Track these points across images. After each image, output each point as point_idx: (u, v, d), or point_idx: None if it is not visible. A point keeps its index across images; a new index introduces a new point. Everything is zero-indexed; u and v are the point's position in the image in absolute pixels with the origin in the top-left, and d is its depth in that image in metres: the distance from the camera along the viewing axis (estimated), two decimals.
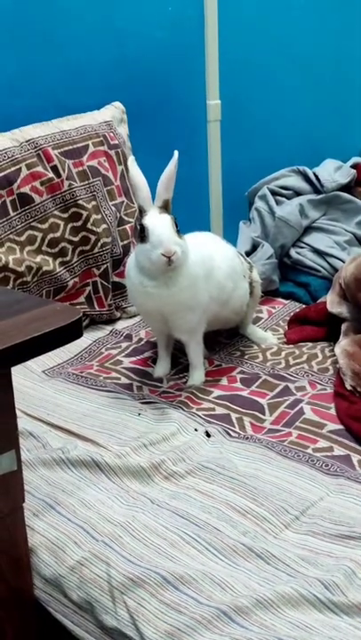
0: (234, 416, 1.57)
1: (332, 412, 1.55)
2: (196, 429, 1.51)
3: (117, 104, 2.21)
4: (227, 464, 1.37)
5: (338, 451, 1.42)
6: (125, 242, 2.08)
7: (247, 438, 1.49)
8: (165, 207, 1.51)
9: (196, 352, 1.68)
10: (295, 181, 2.37)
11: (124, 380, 1.75)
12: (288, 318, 2.00)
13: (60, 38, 2.12)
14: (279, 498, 1.27)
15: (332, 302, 1.84)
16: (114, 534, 1.19)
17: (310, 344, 1.86)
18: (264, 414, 1.57)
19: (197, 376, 1.69)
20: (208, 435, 1.49)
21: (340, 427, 1.49)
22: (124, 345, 1.92)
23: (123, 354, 1.87)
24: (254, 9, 2.54)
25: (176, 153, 1.53)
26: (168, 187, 1.50)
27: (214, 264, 1.63)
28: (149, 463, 1.36)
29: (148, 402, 1.62)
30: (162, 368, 1.74)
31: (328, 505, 1.26)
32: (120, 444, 1.44)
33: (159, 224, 1.46)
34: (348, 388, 1.57)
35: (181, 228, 1.57)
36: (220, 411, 1.59)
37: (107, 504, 1.26)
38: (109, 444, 1.44)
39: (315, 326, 1.89)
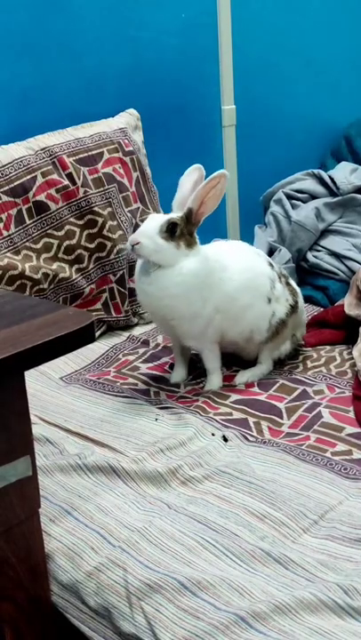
0: (251, 420, 1.55)
1: (351, 415, 1.53)
2: (213, 434, 1.49)
3: (132, 111, 2.22)
4: (244, 468, 1.35)
5: (357, 454, 1.40)
6: None
7: (265, 442, 1.47)
8: (175, 223, 1.53)
9: (209, 358, 1.67)
10: (310, 185, 2.36)
11: (141, 386, 1.74)
12: (306, 322, 1.98)
13: (75, 47, 2.14)
14: (297, 502, 1.26)
15: (350, 305, 1.82)
16: (131, 540, 1.18)
17: (328, 347, 1.84)
18: (282, 418, 1.55)
19: (215, 381, 1.68)
20: (225, 439, 1.48)
21: (359, 429, 1.48)
22: (141, 351, 1.91)
23: (140, 360, 1.87)
24: (267, 13, 2.54)
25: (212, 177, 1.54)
26: (192, 199, 1.54)
27: (225, 275, 1.59)
28: (166, 468, 1.35)
29: (165, 407, 1.62)
30: (178, 374, 1.73)
31: (347, 509, 1.25)
32: (137, 449, 1.44)
33: (147, 220, 1.55)
34: None
35: (198, 233, 1.59)
36: (237, 415, 1.58)
37: (123, 509, 1.26)
38: (126, 450, 1.43)
39: (333, 329, 1.88)
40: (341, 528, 1.20)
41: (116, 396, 1.68)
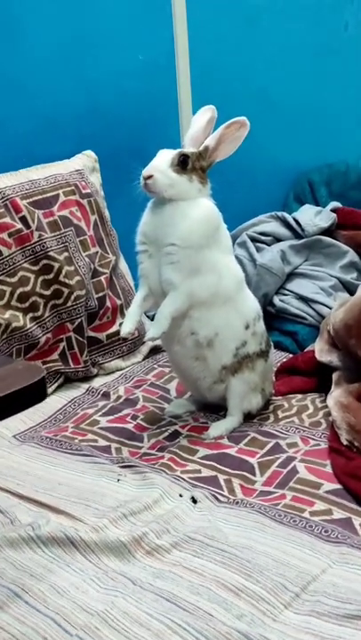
0: (222, 478, 1.44)
1: (328, 469, 1.43)
2: (181, 495, 1.37)
3: (89, 152, 2.15)
4: (216, 534, 1.23)
5: (337, 514, 1.30)
6: (101, 294, 1.97)
7: (237, 503, 1.36)
8: (186, 155, 1.53)
9: (167, 304, 1.52)
10: (275, 227, 2.30)
11: (101, 442, 1.62)
12: (275, 369, 1.88)
13: (30, 88, 2.07)
14: (276, 572, 1.14)
15: (321, 351, 1.73)
16: (90, 626, 1.04)
17: (300, 396, 1.76)
18: (255, 475, 1.44)
19: (155, 329, 1.53)
20: (194, 501, 1.35)
21: (338, 486, 1.38)
22: (100, 404, 1.79)
23: (99, 413, 1.74)
24: (227, 54, 2.52)
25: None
26: (212, 137, 1.57)
27: (222, 269, 1.57)
28: (130, 537, 1.22)
29: (128, 465, 1.49)
30: (127, 325, 1.56)
31: (331, 578, 1.13)
32: (97, 515, 1.31)
33: (158, 155, 1.54)
34: (345, 443, 1.45)
35: None
36: (206, 472, 1.46)
37: (82, 588, 1.11)
38: (85, 517, 1.30)
39: (304, 377, 1.81)
40: (327, 602, 1.07)
41: (74, 454, 1.55)
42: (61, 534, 1.22)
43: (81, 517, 1.29)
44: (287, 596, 1.09)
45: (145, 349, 2.08)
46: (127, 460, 1.51)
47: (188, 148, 1.59)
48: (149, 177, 1.50)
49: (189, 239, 1.52)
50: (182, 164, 1.53)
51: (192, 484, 1.41)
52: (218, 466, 1.48)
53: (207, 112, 1.61)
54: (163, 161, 1.53)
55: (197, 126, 1.61)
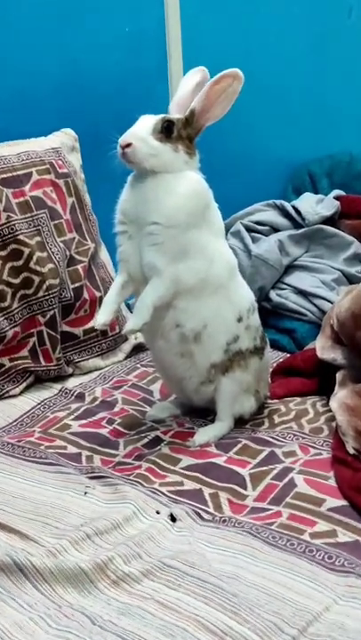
0: (207, 492, 1.26)
1: (332, 482, 1.25)
2: (158, 512, 1.18)
3: (68, 130, 1.96)
4: (197, 560, 1.02)
5: (343, 536, 1.10)
6: (77, 284, 1.77)
7: (224, 521, 1.16)
8: (171, 121, 1.35)
9: (148, 292, 1.34)
10: (272, 216, 2.12)
11: (70, 449, 1.42)
12: (271, 369, 1.68)
13: (2, 57, 1.88)
14: (269, 609, 0.93)
15: (323, 348, 1.54)
16: None
17: (298, 399, 1.59)
18: (245, 488, 1.26)
19: (135, 320, 1.34)
20: (173, 519, 1.15)
21: (344, 502, 1.19)
22: (73, 406, 1.59)
23: (71, 417, 1.55)
24: (223, 34, 2.34)
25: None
26: (197, 98, 1.37)
27: (213, 253, 1.39)
28: (93, 563, 1.01)
29: (98, 476, 1.29)
30: (104, 315, 1.37)
31: (337, 618, 0.93)
32: (56, 535, 1.11)
33: (138, 121, 1.36)
34: (351, 451, 1.27)
35: None
36: (189, 485, 1.28)
37: (27, 629, 0.90)
38: (42, 537, 1.10)
39: (303, 377, 1.65)
40: None
41: (38, 462, 1.36)
42: (8, 559, 1.01)
43: (36, 537, 1.09)
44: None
45: (127, 347, 1.88)
46: (98, 470, 1.31)
47: (174, 114, 1.40)
48: (128, 145, 1.32)
49: (175, 217, 1.32)
50: (166, 130, 1.34)
51: (172, 499, 1.23)
52: (203, 477, 1.30)
53: (197, 74, 1.43)
54: (144, 127, 1.34)
55: (185, 90, 1.42)
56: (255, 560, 1.04)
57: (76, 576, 1.00)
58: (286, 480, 1.25)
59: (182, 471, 1.31)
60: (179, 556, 1.03)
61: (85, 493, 1.23)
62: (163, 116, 1.37)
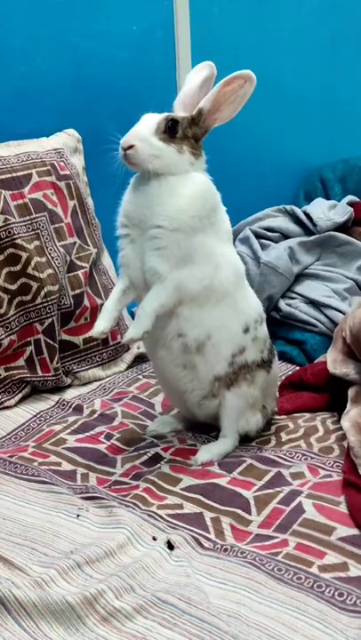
0: (208, 516, 1.17)
1: (343, 509, 1.15)
2: (154, 538, 1.09)
3: (71, 131, 1.89)
4: (195, 595, 0.94)
5: (355, 569, 1.01)
6: (77, 291, 1.70)
7: (226, 550, 1.07)
8: (175, 121, 1.27)
9: (150, 299, 1.27)
10: (282, 222, 2.03)
11: (65, 466, 1.34)
12: (279, 382, 1.59)
13: (4, 53, 1.82)
14: None
15: (335, 361, 1.46)
16: None
17: (308, 415, 1.52)
18: (250, 513, 1.18)
19: (135, 328, 1.26)
20: (171, 546, 1.06)
21: (355, 531, 1.10)
22: (71, 419, 1.51)
23: (68, 430, 1.46)
24: (232, 34, 2.28)
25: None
26: (207, 98, 1.29)
27: (219, 258, 1.31)
28: (81, 596, 0.93)
29: (92, 497, 1.20)
30: (103, 323, 1.29)
31: None
32: (44, 563, 1.02)
33: (141, 120, 1.29)
34: None
35: None
36: (189, 508, 1.19)
37: None
38: (28, 565, 1.02)
39: (313, 392, 1.57)
40: None
41: (30, 480, 1.28)
42: None
43: (22, 566, 1.01)
44: None
45: (129, 357, 1.80)
46: (92, 490, 1.22)
47: (179, 112, 1.32)
48: (130, 147, 1.24)
49: (179, 220, 1.25)
50: (170, 130, 1.27)
51: (170, 524, 1.13)
52: (204, 500, 1.21)
53: (204, 69, 1.35)
54: (146, 127, 1.27)
55: (191, 87, 1.34)
56: (258, 596, 0.95)
57: (62, 611, 0.91)
58: (294, 505, 1.16)
59: (182, 492, 1.22)
60: (175, 591, 0.94)
61: (78, 516, 1.14)
62: (167, 114, 1.29)
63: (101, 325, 1.29)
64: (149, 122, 1.28)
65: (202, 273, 1.28)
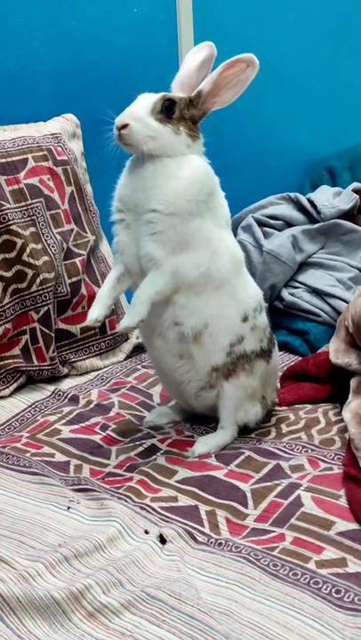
0: (204, 509, 1.13)
1: (343, 502, 1.11)
2: (146, 531, 1.06)
3: (69, 116, 1.85)
4: (185, 592, 0.90)
5: (354, 565, 0.97)
6: (74, 279, 1.66)
7: (220, 544, 1.03)
8: (172, 101, 1.23)
9: (145, 286, 1.22)
10: (286, 210, 1.99)
11: (58, 457, 1.31)
12: (280, 373, 1.55)
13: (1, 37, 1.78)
14: None
15: (338, 351, 1.42)
16: None
17: (309, 406, 1.47)
18: (246, 506, 1.14)
19: (131, 316, 1.23)
20: (163, 540, 1.02)
21: (355, 526, 1.06)
22: (66, 409, 1.48)
23: (63, 421, 1.43)
24: (236, 19, 2.22)
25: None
26: (207, 80, 1.25)
27: (217, 244, 1.26)
28: (67, 591, 0.89)
29: (84, 489, 1.17)
30: (97, 310, 1.26)
31: None
32: (31, 556, 0.99)
33: (137, 100, 1.25)
34: None
35: None
36: (184, 501, 1.16)
37: None
38: (15, 558, 0.98)
39: (315, 383, 1.52)
40: None
41: (21, 471, 1.24)
42: None
43: (8, 559, 0.97)
44: None
45: (128, 347, 1.77)
46: (84, 482, 1.19)
47: (177, 93, 1.28)
48: (124, 126, 1.20)
49: (175, 204, 1.20)
50: (167, 110, 1.22)
51: (163, 517, 1.09)
52: (200, 493, 1.17)
53: (203, 49, 1.30)
54: (142, 106, 1.23)
55: (190, 66, 1.30)
56: (252, 592, 0.91)
57: (47, 606, 0.88)
58: (292, 498, 1.12)
59: (177, 485, 1.19)
60: (165, 587, 0.91)
61: (68, 508, 1.11)
62: (163, 94, 1.24)
63: (95, 313, 1.25)
64: (145, 101, 1.23)
65: (199, 259, 1.24)
